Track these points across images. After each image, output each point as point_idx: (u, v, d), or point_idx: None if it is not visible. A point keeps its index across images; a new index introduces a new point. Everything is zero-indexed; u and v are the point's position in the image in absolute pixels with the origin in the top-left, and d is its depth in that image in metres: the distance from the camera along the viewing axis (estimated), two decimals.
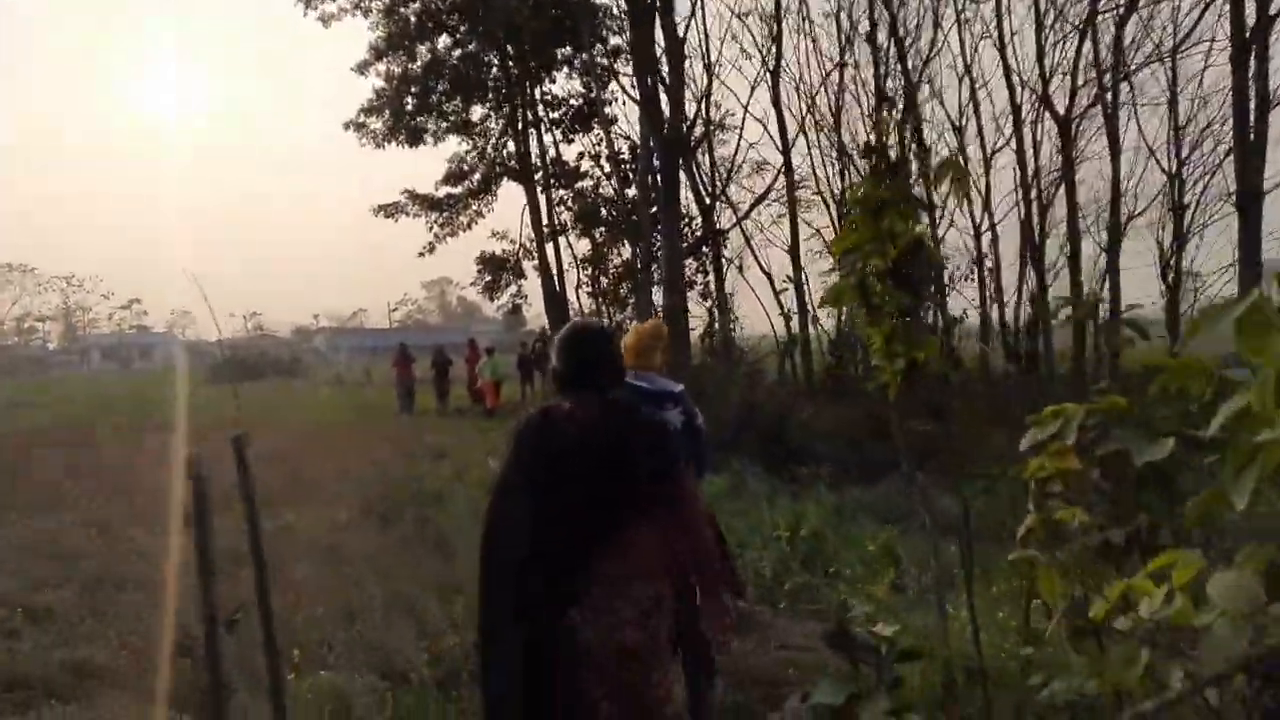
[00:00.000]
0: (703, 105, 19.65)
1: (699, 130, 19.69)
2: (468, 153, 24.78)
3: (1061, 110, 19.26)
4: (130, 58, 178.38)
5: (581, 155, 24.35)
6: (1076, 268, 18.87)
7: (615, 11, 21.75)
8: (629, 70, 21.62)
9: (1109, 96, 17.46)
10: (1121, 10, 17.32)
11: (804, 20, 23.81)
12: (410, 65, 22.80)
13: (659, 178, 12.23)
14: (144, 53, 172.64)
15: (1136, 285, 43.27)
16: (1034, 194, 20.31)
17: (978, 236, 21.40)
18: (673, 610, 2.73)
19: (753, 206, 19.31)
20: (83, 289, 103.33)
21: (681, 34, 12.83)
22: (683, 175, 16.97)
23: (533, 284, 24.83)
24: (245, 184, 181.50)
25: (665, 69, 13.42)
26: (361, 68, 22.89)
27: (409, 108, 22.49)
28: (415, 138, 22.95)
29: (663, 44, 11.86)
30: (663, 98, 13.08)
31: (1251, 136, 13.62)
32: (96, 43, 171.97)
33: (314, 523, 7.80)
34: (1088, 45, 18.77)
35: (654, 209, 14.97)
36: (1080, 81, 19.20)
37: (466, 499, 8.41)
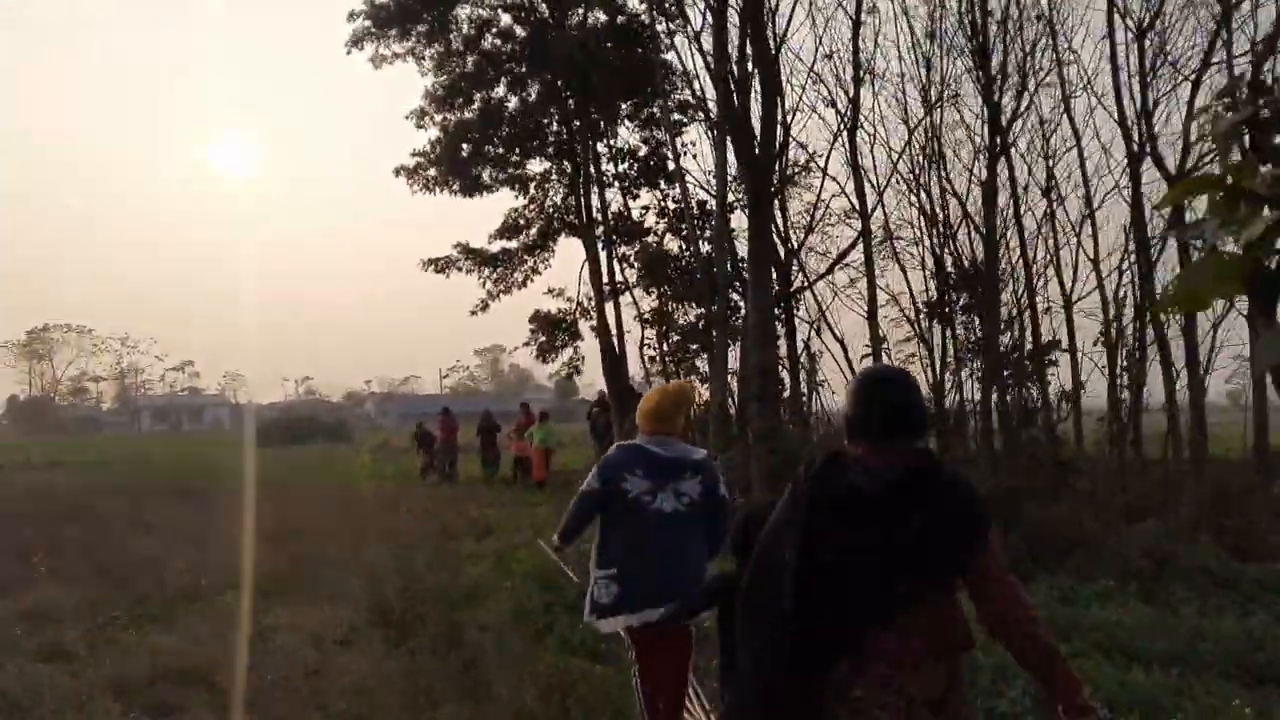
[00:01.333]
0: (782, 148, 18.09)
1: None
2: (525, 206, 23.38)
3: (1173, 169, 17.25)
4: (184, 113, 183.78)
5: (646, 209, 22.81)
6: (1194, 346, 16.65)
7: (686, 68, 20.51)
8: (700, 116, 20.31)
9: None
10: (1260, 48, 15.30)
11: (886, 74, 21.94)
12: (466, 113, 21.60)
13: (747, 213, 10.52)
14: (198, 107, 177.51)
15: None
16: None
17: (1068, 307, 19.31)
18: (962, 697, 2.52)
19: (838, 260, 17.45)
20: (137, 350, 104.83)
21: (774, 50, 11.05)
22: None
23: (589, 346, 23.19)
24: (300, 244, 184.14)
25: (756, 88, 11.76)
26: (419, 117, 21.75)
27: (464, 154, 21.20)
28: (470, 188, 21.61)
29: (752, 60, 10.27)
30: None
31: None
32: (149, 97, 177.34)
33: (306, 627, 5.91)
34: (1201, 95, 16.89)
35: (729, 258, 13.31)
36: (1194, 136, 17.22)
37: (511, 598, 6.48)
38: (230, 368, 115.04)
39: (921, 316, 19.10)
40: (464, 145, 21.34)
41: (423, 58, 21.85)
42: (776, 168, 18.17)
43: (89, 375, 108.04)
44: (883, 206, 19.15)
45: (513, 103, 22.54)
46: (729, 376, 14.35)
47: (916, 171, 18.57)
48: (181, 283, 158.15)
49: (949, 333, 16.72)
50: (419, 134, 22.61)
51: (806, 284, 17.18)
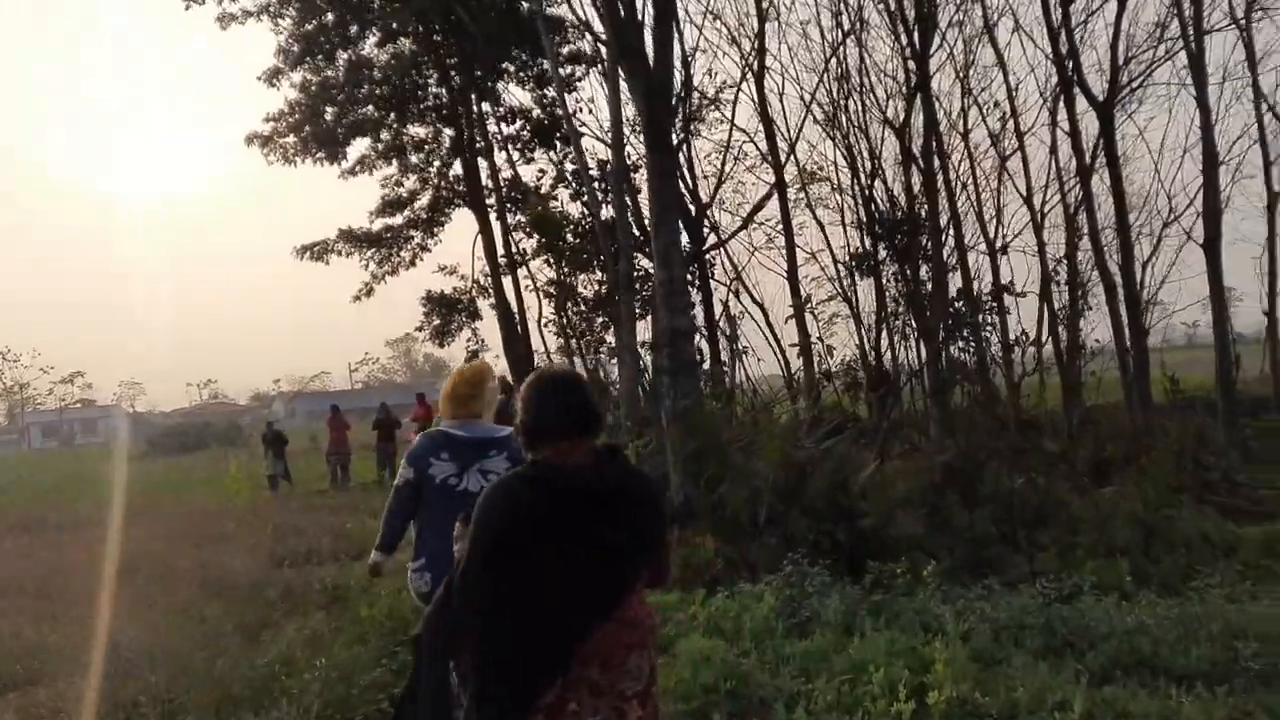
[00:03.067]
0: (684, 95, 16.33)
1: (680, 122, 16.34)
2: (404, 174, 21.11)
3: (1100, 95, 16.03)
4: (54, 119, 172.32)
5: (543, 174, 20.79)
6: (1132, 283, 15.47)
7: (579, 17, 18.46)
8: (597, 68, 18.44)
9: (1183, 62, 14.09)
10: None
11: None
12: (330, 72, 19.22)
13: (645, 157, 8.66)
14: (71, 113, 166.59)
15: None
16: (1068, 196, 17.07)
17: (993, 255, 18.08)
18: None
19: (753, 212, 15.83)
20: (19, 364, 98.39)
21: None
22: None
23: (490, 325, 21.16)
24: (198, 245, 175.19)
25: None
26: (272, 77, 19.24)
27: (328, 117, 18.83)
28: (335, 151, 19.24)
29: None
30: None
31: None
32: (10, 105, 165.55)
33: None
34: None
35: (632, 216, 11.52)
36: (1122, 58, 16.04)
37: (324, 688, 4.57)
38: (126, 376, 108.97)
39: (843, 274, 17.77)
40: (328, 107, 18.93)
41: (280, 15, 19.38)
42: (681, 109, 16.43)
43: None
44: (795, 158, 17.64)
45: (384, 60, 20.31)
46: (641, 349, 12.57)
47: (832, 112, 17.07)
48: (68, 294, 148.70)
49: (877, 287, 15.30)
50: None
51: (720, 242, 15.48)
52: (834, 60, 16.44)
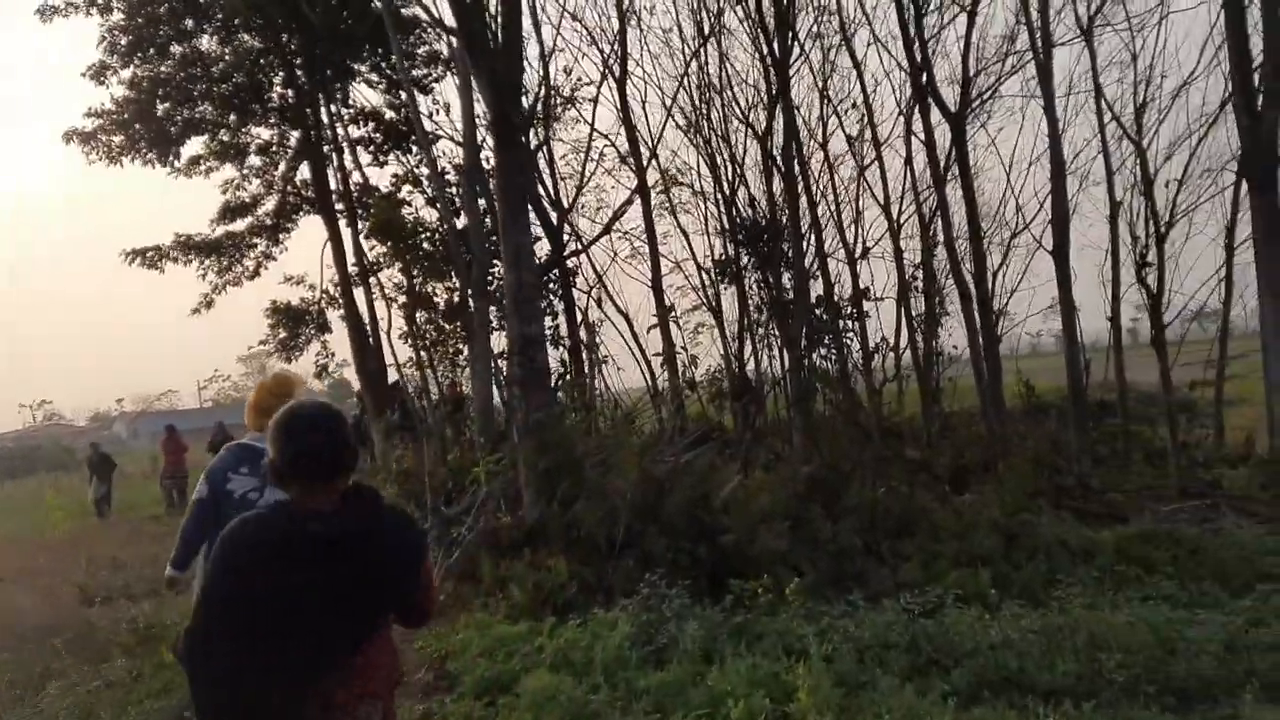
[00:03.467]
0: (544, 94, 15.79)
1: (541, 125, 15.80)
2: (245, 177, 19.78)
3: (953, 106, 16.42)
4: None
5: (398, 179, 19.77)
6: (985, 290, 15.85)
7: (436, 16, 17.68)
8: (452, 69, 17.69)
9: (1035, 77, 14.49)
10: None
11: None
12: (164, 68, 17.77)
13: (493, 153, 8.01)
14: None
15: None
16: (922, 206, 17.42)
17: (852, 263, 18.31)
18: None
19: (615, 217, 15.39)
20: None
21: None
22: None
23: (341, 337, 20.01)
24: (28, 258, 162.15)
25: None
26: (99, 73, 17.62)
27: (160, 114, 17.39)
28: (167, 151, 17.80)
29: None
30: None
31: None
32: None
33: None
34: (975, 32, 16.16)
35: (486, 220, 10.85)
36: (973, 70, 16.47)
37: None
38: None
39: (707, 283, 17.60)
40: (160, 104, 17.48)
41: (108, 9, 17.77)
42: (539, 107, 15.87)
43: None
44: (657, 163, 17.34)
45: (223, 56, 18.95)
46: (495, 361, 11.90)
47: (695, 118, 16.87)
48: None
49: (740, 294, 15.14)
50: None
51: (581, 248, 14.99)
52: (695, 65, 16.23)
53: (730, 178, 15.94)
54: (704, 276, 17.27)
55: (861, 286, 15.69)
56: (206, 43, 18.63)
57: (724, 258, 15.51)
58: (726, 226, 15.41)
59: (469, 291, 14.54)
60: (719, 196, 16.47)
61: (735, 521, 7.33)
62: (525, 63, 10.84)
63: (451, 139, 17.64)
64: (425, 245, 16.68)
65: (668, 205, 17.48)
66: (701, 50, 15.85)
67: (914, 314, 16.36)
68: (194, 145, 19.02)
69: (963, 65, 16.12)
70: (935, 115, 16.11)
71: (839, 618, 6.23)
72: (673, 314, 16.42)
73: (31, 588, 9.88)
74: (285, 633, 2.30)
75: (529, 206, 8.26)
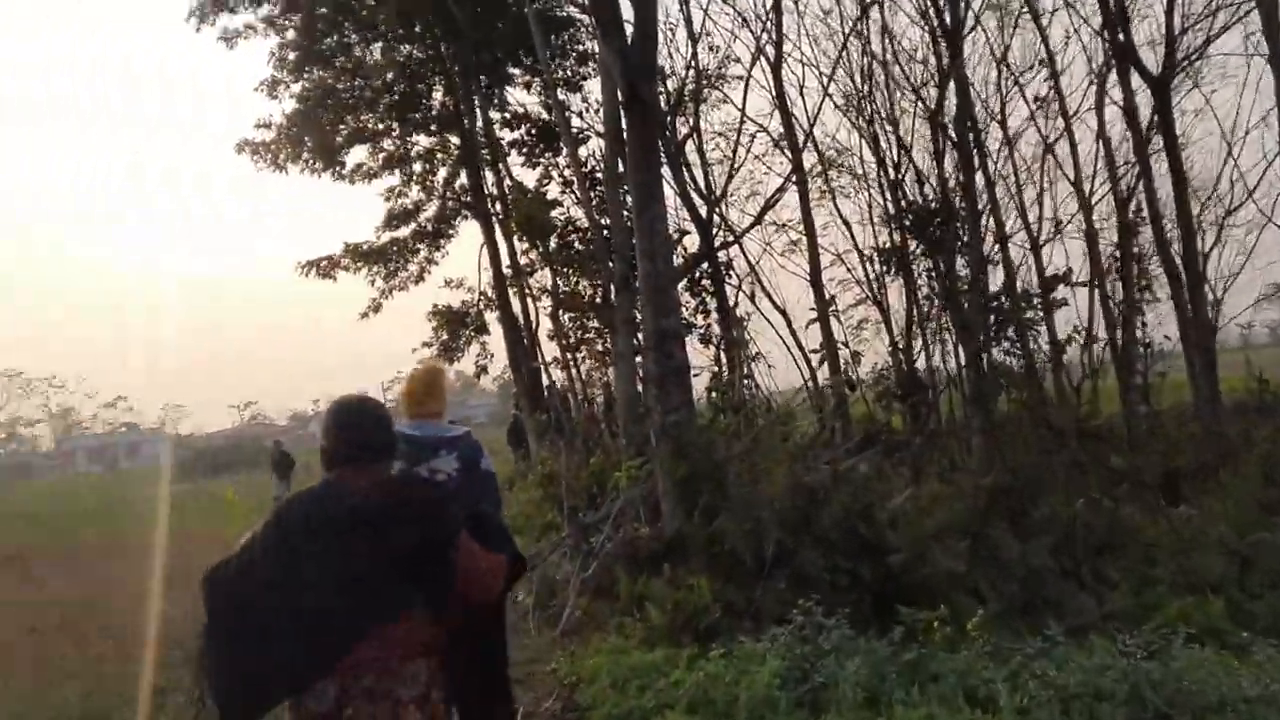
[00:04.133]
0: (695, 75, 15.08)
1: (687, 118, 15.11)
2: (405, 184, 20.16)
3: (1155, 70, 14.52)
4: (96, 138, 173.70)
5: (548, 179, 19.65)
6: (1196, 273, 13.88)
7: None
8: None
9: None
10: None
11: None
12: (329, 79, 18.32)
13: (626, 135, 7.38)
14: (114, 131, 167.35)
15: None
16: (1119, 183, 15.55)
17: (1035, 247, 16.60)
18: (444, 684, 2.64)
19: (767, 208, 14.52)
20: (65, 389, 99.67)
21: None
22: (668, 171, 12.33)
23: (498, 338, 20.09)
24: (241, 264, 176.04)
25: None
26: (271, 88, 18.36)
27: (325, 123, 17.93)
28: (331, 157, 18.33)
29: None
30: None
31: None
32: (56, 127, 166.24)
33: None
34: None
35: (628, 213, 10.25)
36: (1179, 27, 14.52)
37: None
38: (169, 399, 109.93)
39: (872, 276, 16.44)
40: (326, 115, 18.04)
41: (284, 28, 18.53)
42: (685, 90, 15.16)
43: (22, 420, 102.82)
44: (814, 144, 16.28)
45: (385, 67, 19.41)
46: (629, 359, 11.25)
47: (856, 99, 15.75)
48: (109, 316, 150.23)
49: (909, 285, 13.90)
50: None
51: (734, 238, 14.18)
52: (855, 40, 15.11)
53: (896, 158, 14.75)
54: (866, 267, 16.18)
55: (1049, 273, 14.10)
56: (369, 54, 19.11)
57: (889, 245, 14.33)
58: (892, 211, 14.21)
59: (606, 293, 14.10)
60: (883, 180, 15.30)
61: (905, 538, 6.37)
62: (672, 46, 10.14)
63: (600, 135, 17.24)
64: (576, 244, 16.30)
65: (827, 192, 16.46)
66: (862, 23, 14.70)
67: (1111, 301, 14.62)
68: (358, 154, 19.63)
69: (1166, 22, 14.30)
70: (1135, 81, 14.37)
71: (1034, 657, 5.16)
72: (833, 307, 15.36)
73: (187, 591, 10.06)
74: (317, 599, 2.40)
75: (664, 190, 7.51)
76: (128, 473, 74.44)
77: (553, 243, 16.05)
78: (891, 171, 15.36)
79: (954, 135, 12.94)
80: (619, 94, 8.19)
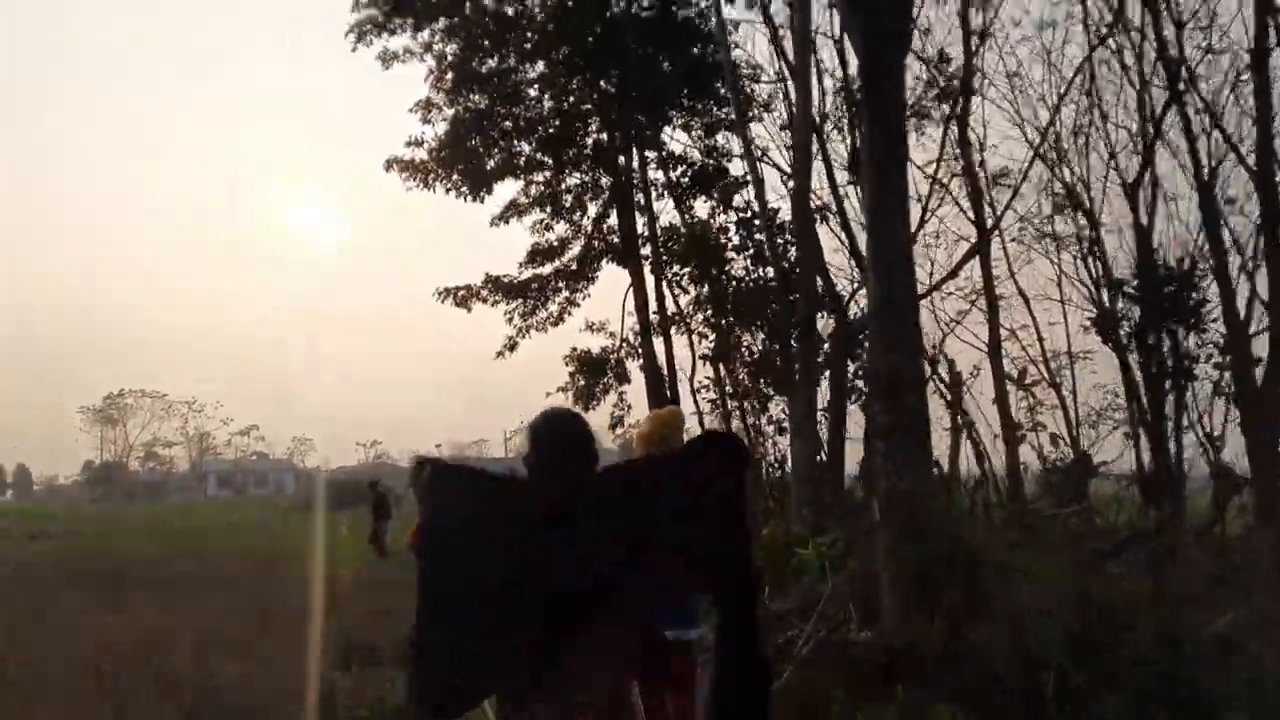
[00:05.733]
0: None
1: None
2: (554, 218, 19.28)
3: None
4: (251, 179, 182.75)
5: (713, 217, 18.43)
6: None
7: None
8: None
9: None
10: None
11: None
12: (484, 103, 17.71)
13: (865, 117, 5.90)
14: (271, 177, 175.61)
15: None
16: None
17: None
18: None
19: (954, 271, 12.77)
20: (203, 414, 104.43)
21: None
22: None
23: (637, 387, 18.83)
24: (377, 307, 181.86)
25: None
26: (425, 110, 17.85)
27: (477, 144, 17.25)
28: (480, 185, 17.59)
29: None
30: None
31: None
32: (209, 158, 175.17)
33: None
34: None
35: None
36: None
37: None
38: (298, 433, 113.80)
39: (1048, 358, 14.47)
40: (476, 138, 17.41)
41: (443, 57, 18.15)
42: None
43: (161, 441, 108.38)
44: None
45: (546, 104, 18.80)
46: (818, 421, 9.66)
47: (1060, 147, 13.93)
48: (250, 344, 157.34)
49: (1131, 359, 11.79)
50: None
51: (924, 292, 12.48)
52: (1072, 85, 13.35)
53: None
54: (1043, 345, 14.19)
55: None
56: (527, 82, 18.50)
57: (1102, 312, 12.32)
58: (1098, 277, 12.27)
59: (778, 343, 12.60)
60: (1084, 248, 13.44)
61: (1238, 680, 4.51)
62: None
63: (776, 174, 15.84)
64: (738, 285, 14.90)
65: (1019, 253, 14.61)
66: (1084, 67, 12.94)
67: None
68: (508, 190, 18.98)
69: None
70: None
71: None
72: (1028, 381, 13.40)
73: (294, 639, 8.87)
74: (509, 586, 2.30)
75: (908, 190, 5.99)
76: (255, 499, 76.83)
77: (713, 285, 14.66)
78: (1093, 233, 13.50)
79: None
80: (856, 72, 6.73)
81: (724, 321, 15.24)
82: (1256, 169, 11.17)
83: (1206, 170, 12.10)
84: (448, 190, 17.60)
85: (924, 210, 13.33)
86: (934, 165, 13.55)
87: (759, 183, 14.03)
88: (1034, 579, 4.89)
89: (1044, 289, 18.69)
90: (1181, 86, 12.12)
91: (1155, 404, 10.74)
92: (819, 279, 11.73)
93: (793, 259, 12.66)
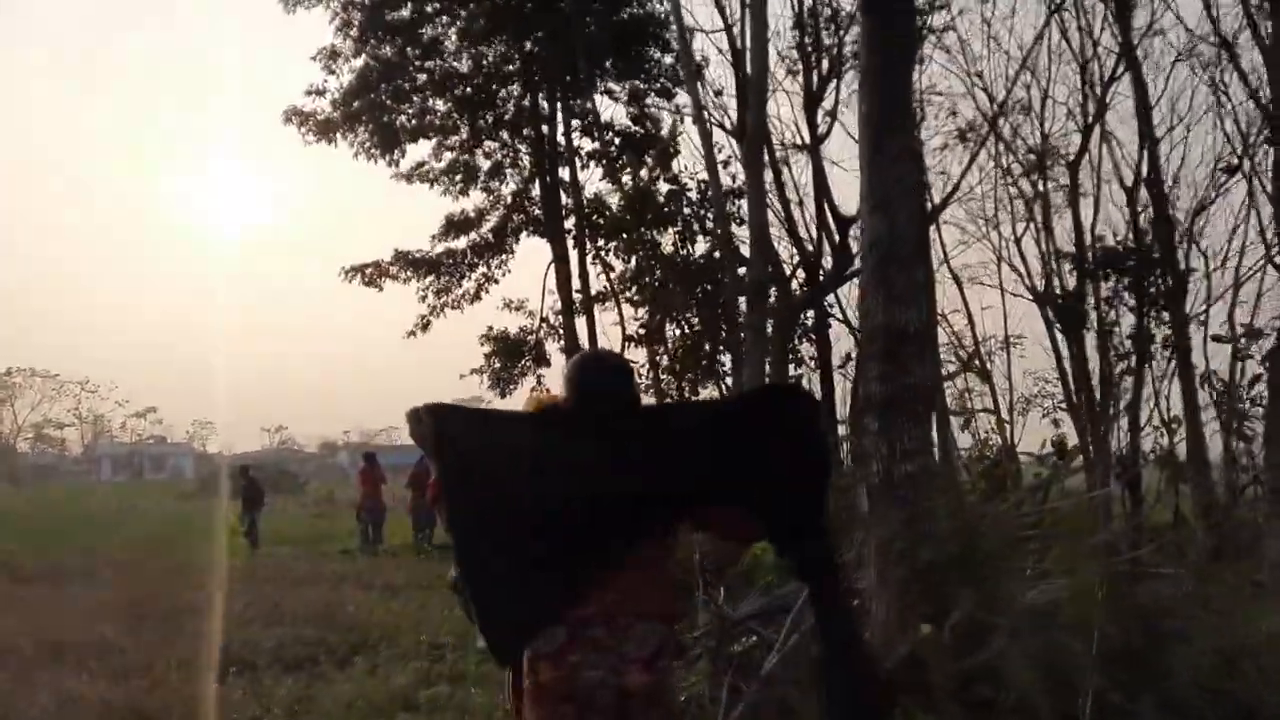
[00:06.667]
0: None
1: None
2: (468, 185, 17.96)
3: None
4: (154, 156, 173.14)
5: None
6: None
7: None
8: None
9: None
10: None
11: None
12: (395, 56, 16.32)
13: (861, 22, 4.85)
14: (166, 150, 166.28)
15: None
16: None
17: None
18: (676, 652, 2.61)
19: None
20: (97, 395, 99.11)
21: None
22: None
23: (557, 372, 17.74)
24: (275, 288, 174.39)
25: None
26: (329, 59, 16.36)
27: (386, 98, 15.87)
28: (391, 146, 16.24)
29: None
30: None
31: None
32: (109, 136, 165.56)
33: None
34: None
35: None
36: None
37: None
38: (199, 416, 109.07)
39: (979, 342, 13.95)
40: (386, 93, 16.02)
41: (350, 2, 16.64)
42: None
43: (52, 422, 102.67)
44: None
45: (465, 61, 17.49)
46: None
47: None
48: (150, 327, 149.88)
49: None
50: None
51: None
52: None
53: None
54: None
55: None
56: (444, 36, 17.17)
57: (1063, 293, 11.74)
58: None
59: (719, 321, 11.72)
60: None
61: None
62: None
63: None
64: (673, 256, 13.95)
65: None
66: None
67: None
68: (421, 151, 17.64)
69: None
70: None
71: None
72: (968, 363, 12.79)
73: (163, 642, 7.58)
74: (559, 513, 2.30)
75: (913, 119, 5.06)
76: (152, 484, 73.29)
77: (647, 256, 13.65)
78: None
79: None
80: None
81: (657, 296, 14.26)
82: None
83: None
84: (354, 150, 16.16)
85: None
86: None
87: (707, 138, 13.02)
88: (1065, 581, 4.05)
89: (976, 274, 18.31)
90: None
91: (1137, 384, 10.19)
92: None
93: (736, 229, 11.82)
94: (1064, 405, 12.55)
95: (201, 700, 5.40)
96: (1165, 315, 10.33)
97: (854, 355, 11.89)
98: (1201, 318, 10.76)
